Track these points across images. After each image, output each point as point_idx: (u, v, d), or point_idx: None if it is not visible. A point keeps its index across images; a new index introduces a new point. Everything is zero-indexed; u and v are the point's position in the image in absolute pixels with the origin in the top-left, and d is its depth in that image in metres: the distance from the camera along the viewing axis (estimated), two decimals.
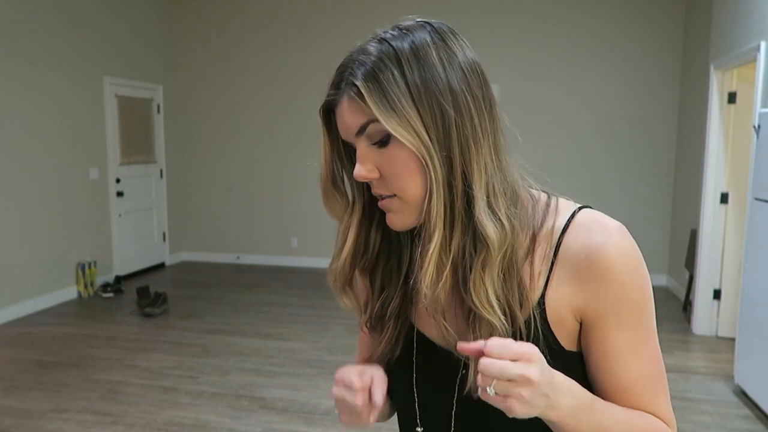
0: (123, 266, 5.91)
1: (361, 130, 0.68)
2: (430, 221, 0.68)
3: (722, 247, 4.30)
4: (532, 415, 0.61)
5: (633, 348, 0.70)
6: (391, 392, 0.78)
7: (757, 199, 3.26)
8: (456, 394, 0.75)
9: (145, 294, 4.94)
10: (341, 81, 0.70)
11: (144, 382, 3.48)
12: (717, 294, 4.32)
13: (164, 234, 6.58)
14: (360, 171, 0.69)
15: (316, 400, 3.18)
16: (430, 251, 0.68)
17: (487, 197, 0.68)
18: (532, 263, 0.71)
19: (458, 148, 0.67)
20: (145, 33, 6.19)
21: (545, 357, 0.63)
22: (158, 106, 6.39)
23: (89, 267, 5.35)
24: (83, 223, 5.43)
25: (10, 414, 3.08)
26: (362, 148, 0.69)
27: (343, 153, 0.76)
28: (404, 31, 0.69)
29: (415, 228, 0.73)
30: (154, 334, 4.37)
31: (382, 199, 0.71)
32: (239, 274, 6.23)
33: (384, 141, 0.68)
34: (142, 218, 6.23)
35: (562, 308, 0.70)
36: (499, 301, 0.69)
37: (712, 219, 4.30)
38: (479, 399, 0.61)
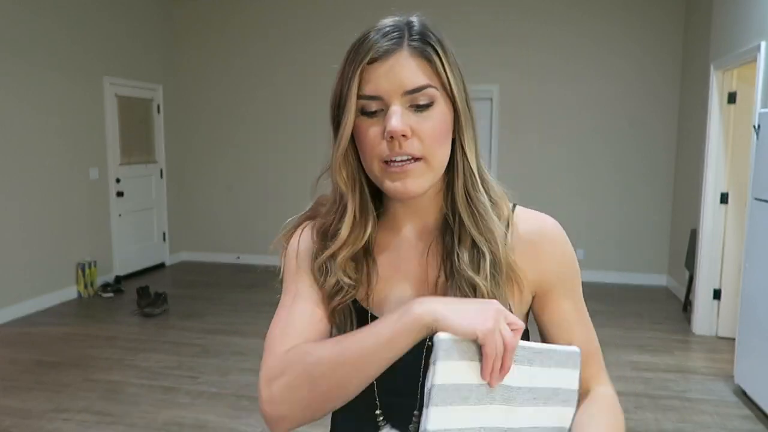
0: (123, 266, 5.91)
1: (415, 90, 0.71)
2: (457, 183, 0.77)
3: (722, 247, 4.30)
4: None
5: (576, 316, 0.82)
6: None
7: (757, 199, 3.26)
8: (422, 379, 0.75)
9: (145, 294, 4.94)
10: (409, 32, 0.73)
11: (144, 382, 3.48)
12: (717, 294, 4.32)
13: (164, 234, 6.58)
14: (399, 124, 0.70)
15: None
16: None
17: (480, 174, 0.79)
18: None
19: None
20: (145, 33, 6.19)
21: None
22: (158, 106, 6.39)
23: (89, 267, 5.35)
24: (83, 223, 5.43)
25: (10, 414, 3.08)
26: (399, 106, 0.71)
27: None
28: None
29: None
30: (154, 334, 4.37)
31: (402, 164, 0.72)
32: (239, 274, 6.23)
33: (429, 105, 0.72)
34: (142, 218, 6.23)
35: (522, 286, 0.79)
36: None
37: (712, 219, 4.30)
38: None
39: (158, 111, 6.40)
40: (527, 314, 0.84)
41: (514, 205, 0.84)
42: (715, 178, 4.29)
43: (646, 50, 5.59)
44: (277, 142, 6.47)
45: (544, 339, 0.83)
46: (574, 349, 0.73)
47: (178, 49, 6.61)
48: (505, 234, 0.78)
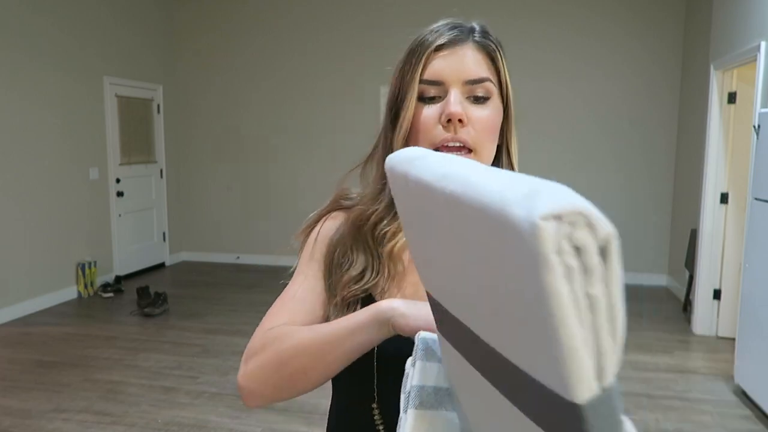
0: (123, 266, 5.91)
1: (476, 81, 0.74)
2: None
3: (722, 247, 4.30)
4: None
5: None
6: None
7: (757, 199, 3.26)
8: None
9: (145, 294, 4.94)
10: (473, 30, 0.77)
11: (144, 382, 3.48)
12: (717, 294, 4.32)
13: (164, 234, 6.58)
14: (459, 108, 0.73)
15: (316, 400, 3.18)
16: None
17: None
18: None
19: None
20: (145, 33, 6.19)
21: None
22: (158, 106, 6.39)
23: (89, 267, 5.35)
24: (83, 223, 5.43)
25: (10, 414, 3.08)
26: (458, 93, 0.74)
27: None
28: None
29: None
30: (154, 334, 4.37)
31: (455, 149, 0.74)
32: (239, 274, 6.23)
33: (485, 98, 0.75)
34: (142, 218, 6.23)
35: None
36: None
37: (712, 219, 4.30)
38: None
39: (158, 111, 6.40)
40: None
41: None
42: (715, 178, 4.29)
43: (646, 50, 5.59)
44: (277, 142, 6.47)
45: None
46: None
47: (178, 49, 6.61)
48: None
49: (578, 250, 0.31)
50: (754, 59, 3.64)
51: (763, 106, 3.46)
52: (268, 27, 6.37)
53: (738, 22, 3.99)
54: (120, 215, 5.88)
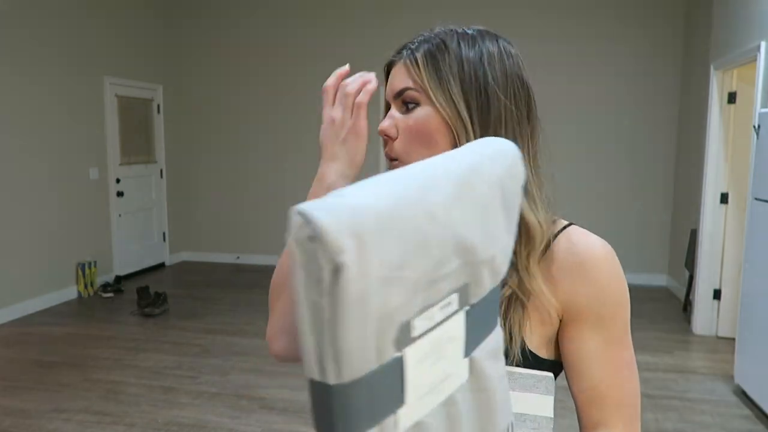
0: (123, 266, 5.91)
1: (398, 94, 0.76)
2: None
3: (722, 247, 4.30)
4: None
5: (602, 355, 0.73)
6: None
7: (757, 199, 3.27)
8: None
9: (145, 294, 4.94)
10: (403, 48, 0.78)
11: (144, 382, 3.48)
12: (717, 294, 4.32)
13: (164, 234, 6.58)
14: (382, 124, 0.76)
15: None
16: None
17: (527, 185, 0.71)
18: None
19: (500, 132, 0.73)
20: (145, 33, 6.19)
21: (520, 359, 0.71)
22: (158, 106, 6.39)
23: (89, 267, 5.35)
24: (83, 223, 5.43)
25: (10, 414, 3.08)
26: (394, 109, 0.77)
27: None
28: (473, 31, 0.77)
29: None
30: (154, 334, 4.37)
31: (391, 162, 0.77)
32: (239, 274, 6.23)
33: (412, 106, 0.75)
34: (142, 218, 6.23)
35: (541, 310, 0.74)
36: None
37: (712, 219, 4.30)
38: None
39: (158, 111, 6.40)
40: (555, 342, 0.75)
41: (566, 225, 0.77)
42: (715, 178, 4.29)
43: (646, 50, 5.59)
44: (277, 141, 6.47)
45: (566, 375, 0.76)
46: (547, 373, 0.68)
47: (178, 49, 6.61)
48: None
49: (314, 257, 0.35)
50: (754, 59, 3.64)
51: (763, 106, 3.46)
52: (268, 27, 6.37)
53: (738, 22, 3.99)
54: (120, 215, 5.88)
